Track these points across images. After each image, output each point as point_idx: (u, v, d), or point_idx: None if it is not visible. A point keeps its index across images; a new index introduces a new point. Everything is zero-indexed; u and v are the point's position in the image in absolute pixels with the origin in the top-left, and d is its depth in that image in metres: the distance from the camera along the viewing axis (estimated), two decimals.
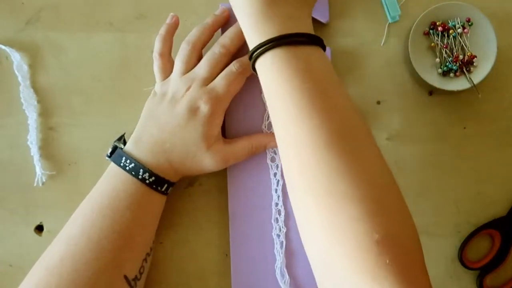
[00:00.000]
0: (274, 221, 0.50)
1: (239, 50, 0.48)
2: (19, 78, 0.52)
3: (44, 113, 0.52)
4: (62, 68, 0.52)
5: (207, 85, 0.46)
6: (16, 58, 0.52)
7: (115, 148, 0.48)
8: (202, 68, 0.46)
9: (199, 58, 0.48)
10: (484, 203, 0.51)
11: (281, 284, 0.49)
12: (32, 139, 0.51)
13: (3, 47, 0.52)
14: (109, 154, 0.48)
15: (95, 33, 0.53)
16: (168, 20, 0.49)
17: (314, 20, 0.51)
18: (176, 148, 0.45)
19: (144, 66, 0.52)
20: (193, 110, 0.45)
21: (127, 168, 0.45)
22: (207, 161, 0.46)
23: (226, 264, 0.51)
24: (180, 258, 0.51)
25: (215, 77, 0.47)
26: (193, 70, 0.47)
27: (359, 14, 0.52)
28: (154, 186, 0.45)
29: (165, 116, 0.46)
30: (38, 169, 0.51)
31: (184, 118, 0.45)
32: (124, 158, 0.45)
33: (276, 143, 0.48)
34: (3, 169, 0.52)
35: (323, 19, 0.51)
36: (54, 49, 0.53)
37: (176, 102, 0.46)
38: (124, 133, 0.50)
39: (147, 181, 0.45)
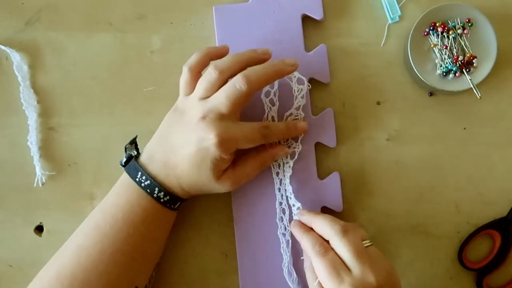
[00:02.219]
0: (279, 220, 0.50)
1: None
2: (19, 78, 0.52)
3: (44, 113, 0.52)
4: (62, 68, 0.52)
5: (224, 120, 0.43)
6: (16, 58, 0.52)
7: (129, 157, 0.46)
8: (221, 103, 0.43)
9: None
10: (484, 203, 0.51)
11: (289, 283, 0.49)
12: (32, 139, 0.51)
13: (3, 47, 0.52)
14: (123, 163, 0.46)
15: (95, 33, 0.53)
16: (220, 46, 0.47)
17: (310, 19, 0.52)
18: (186, 174, 0.44)
19: (144, 66, 0.52)
20: (203, 147, 0.43)
21: (143, 184, 0.44)
22: (218, 188, 0.46)
23: (226, 264, 0.51)
24: (180, 258, 0.51)
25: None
26: (211, 98, 0.44)
27: (359, 14, 0.52)
28: (167, 205, 0.45)
29: (180, 138, 0.44)
30: (38, 169, 0.51)
31: (195, 150, 0.43)
32: (140, 173, 0.44)
33: (283, 153, 0.48)
34: (3, 169, 0.52)
35: (317, 16, 0.51)
36: (54, 49, 0.52)
37: (191, 128, 0.43)
38: (136, 136, 0.48)
39: (162, 200, 0.44)
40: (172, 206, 0.46)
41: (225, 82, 0.44)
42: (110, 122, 0.52)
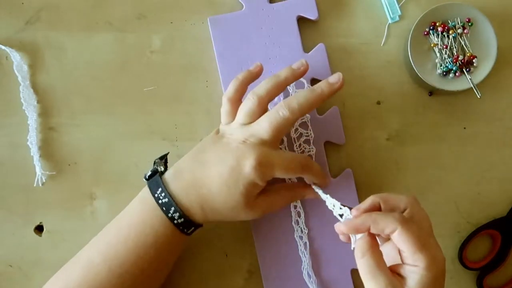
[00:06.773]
0: (295, 223, 0.49)
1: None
2: (19, 78, 0.52)
3: (44, 113, 0.52)
4: (62, 68, 0.52)
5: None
6: (16, 58, 0.52)
7: (155, 171, 0.45)
8: (263, 129, 0.43)
9: (265, 111, 0.45)
10: (484, 203, 0.51)
11: (309, 285, 0.49)
12: (32, 139, 0.51)
13: (3, 47, 0.52)
14: (147, 177, 0.45)
15: (95, 33, 0.53)
16: (252, 68, 0.47)
17: (305, 20, 0.52)
18: (212, 195, 0.43)
19: (144, 66, 0.52)
20: (239, 169, 0.42)
21: (160, 201, 0.43)
22: (244, 215, 0.44)
23: (226, 264, 0.51)
24: (180, 258, 0.51)
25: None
26: (253, 124, 0.44)
27: (359, 14, 0.52)
28: (181, 228, 0.43)
29: (213, 156, 0.43)
30: (38, 169, 0.51)
31: (229, 170, 0.42)
32: (160, 189, 0.43)
33: (313, 196, 0.47)
34: (3, 169, 0.52)
35: (312, 16, 0.51)
36: (54, 49, 0.53)
37: (229, 149, 0.43)
38: (168, 153, 0.47)
39: (175, 221, 0.43)
40: (186, 230, 0.44)
41: (265, 107, 0.45)
42: (110, 122, 0.52)
